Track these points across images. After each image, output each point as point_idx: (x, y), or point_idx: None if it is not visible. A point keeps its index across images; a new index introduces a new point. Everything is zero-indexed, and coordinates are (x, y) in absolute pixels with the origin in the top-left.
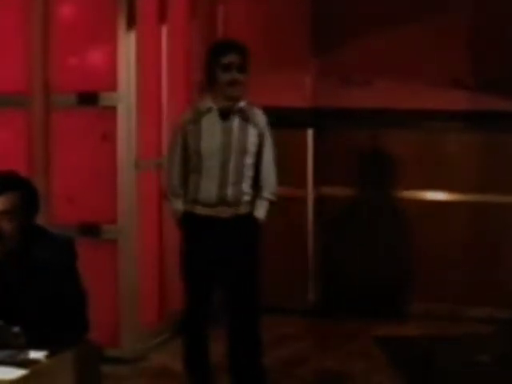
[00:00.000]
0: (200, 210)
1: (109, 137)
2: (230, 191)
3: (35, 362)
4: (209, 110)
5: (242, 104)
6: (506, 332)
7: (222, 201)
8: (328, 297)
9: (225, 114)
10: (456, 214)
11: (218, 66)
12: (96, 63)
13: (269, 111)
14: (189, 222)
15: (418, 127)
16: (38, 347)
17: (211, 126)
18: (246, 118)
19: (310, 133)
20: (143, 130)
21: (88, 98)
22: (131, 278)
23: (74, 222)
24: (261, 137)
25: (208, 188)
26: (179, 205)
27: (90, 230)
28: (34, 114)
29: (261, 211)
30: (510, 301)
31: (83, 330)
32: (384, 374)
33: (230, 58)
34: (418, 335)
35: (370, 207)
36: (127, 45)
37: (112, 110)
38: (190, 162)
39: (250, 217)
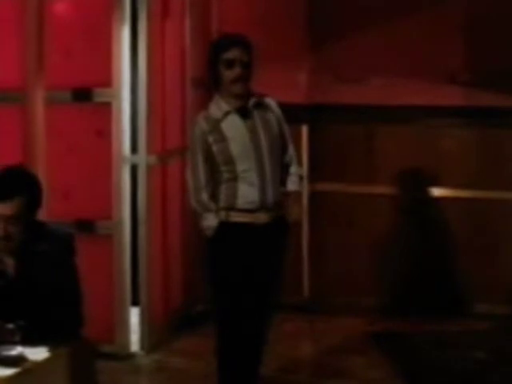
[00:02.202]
0: (236, 218)
1: (103, 133)
2: (270, 193)
3: (30, 358)
4: (226, 113)
5: (254, 99)
6: (503, 328)
7: (264, 205)
8: (322, 293)
9: (244, 113)
10: (452, 209)
11: (221, 63)
12: (90, 59)
13: None
14: (222, 233)
15: (413, 123)
16: (33, 344)
17: (235, 129)
18: (263, 111)
19: (304, 129)
20: (149, 125)
21: (82, 94)
22: (126, 274)
23: (68, 217)
24: (280, 124)
25: (248, 193)
26: (212, 220)
27: (85, 225)
28: (28, 111)
29: (293, 184)
30: (507, 297)
31: (78, 325)
32: (381, 370)
33: (234, 54)
34: (414, 331)
35: (364, 203)
36: (121, 41)
37: (107, 106)
38: (217, 172)
39: (284, 217)
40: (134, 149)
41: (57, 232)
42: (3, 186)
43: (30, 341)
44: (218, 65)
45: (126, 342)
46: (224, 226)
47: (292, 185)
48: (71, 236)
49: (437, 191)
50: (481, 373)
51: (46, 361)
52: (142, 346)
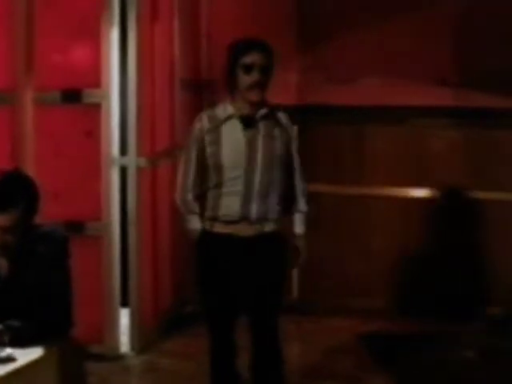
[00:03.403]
0: (219, 228)
1: (93, 134)
2: (254, 207)
3: (20, 359)
4: (229, 117)
5: (265, 110)
6: (492, 328)
7: (245, 218)
8: (312, 294)
9: (248, 122)
10: (440, 210)
11: (239, 67)
12: (80, 60)
13: None
14: (206, 242)
15: (402, 124)
16: (24, 344)
17: (233, 135)
18: (271, 125)
19: (295, 130)
20: (139, 127)
21: (72, 96)
22: (115, 275)
23: (58, 218)
24: (288, 143)
25: (229, 203)
26: (196, 223)
27: (75, 226)
28: (18, 112)
29: (301, 227)
30: (496, 297)
31: (69, 327)
32: (370, 370)
33: (253, 58)
34: (403, 332)
35: (355, 204)
36: (110, 42)
37: (96, 107)
38: (208, 176)
39: (277, 235)
40: (124, 150)
41: (52, 234)
42: (1, 197)
43: (21, 341)
44: (235, 69)
45: (116, 343)
46: (208, 235)
47: (300, 227)
48: (66, 238)
49: (427, 192)
50: (470, 372)
51: (36, 361)
52: (132, 347)
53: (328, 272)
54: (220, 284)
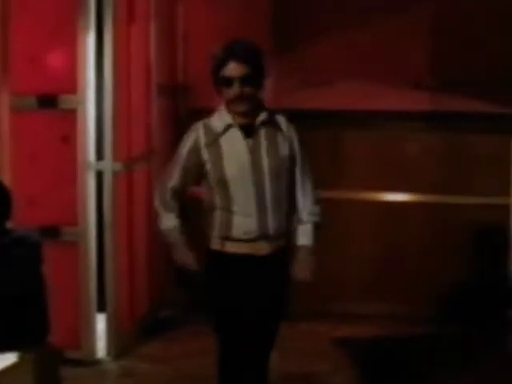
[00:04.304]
0: (233, 248)
1: (69, 139)
2: (271, 224)
3: None
4: (227, 127)
5: (263, 116)
6: (466, 332)
7: (263, 235)
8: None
9: (248, 130)
10: (415, 214)
11: (220, 79)
12: (56, 66)
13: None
14: (217, 264)
15: (378, 128)
16: None
17: (234, 146)
18: (273, 131)
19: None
20: (115, 132)
21: (48, 101)
22: (92, 280)
23: (34, 224)
24: (292, 148)
25: (244, 222)
26: (171, 220)
27: (51, 232)
28: None
29: (305, 237)
30: (470, 302)
31: (44, 332)
32: (345, 375)
33: (231, 70)
34: (379, 336)
35: (331, 208)
36: (86, 47)
37: (72, 112)
38: (212, 194)
39: (288, 249)
40: (100, 155)
41: (25, 239)
42: None
43: None
44: (218, 81)
45: (93, 348)
46: (219, 255)
47: (304, 238)
48: (39, 243)
49: (402, 196)
50: (443, 375)
51: (12, 367)
52: (109, 352)
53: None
54: (237, 307)
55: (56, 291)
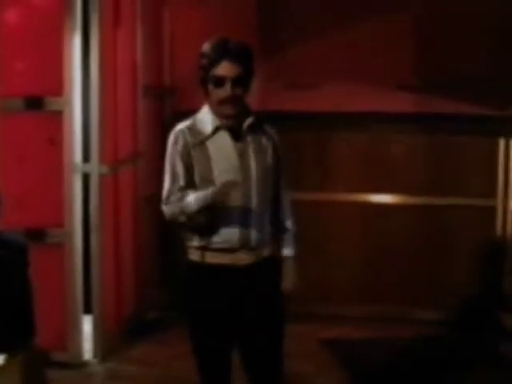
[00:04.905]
0: (213, 259)
1: (55, 141)
2: (254, 231)
3: None
4: (216, 129)
5: (250, 120)
6: (455, 334)
7: (245, 245)
8: None
9: (236, 133)
10: (402, 216)
11: (210, 78)
12: (42, 68)
13: None
14: (196, 276)
15: (364, 130)
16: None
17: (223, 150)
18: (259, 136)
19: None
20: (101, 134)
21: (34, 103)
22: (78, 282)
23: (20, 225)
24: (276, 155)
25: (227, 230)
26: (189, 198)
27: (37, 234)
28: None
29: (289, 248)
30: (457, 303)
31: (30, 334)
32: (331, 376)
33: (224, 70)
34: (365, 338)
35: (316, 210)
36: (73, 49)
37: (58, 114)
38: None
39: (273, 259)
40: (86, 157)
41: (12, 242)
42: None
43: None
44: (206, 79)
45: (79, 351)
46: (198, 267)
47: (288, 249)
48: (26, 246)
49: (388, 197)
50: (431, 377)
51: None
52: (95, 354)
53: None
54: (217, 322)
55: (42, 293)
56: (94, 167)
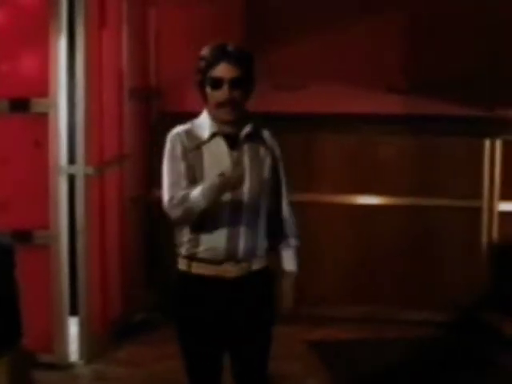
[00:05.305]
0: (198, 269)
1: (41, 143)
2: (242, 243)
3: None
4: (212, 135)
5: (248, 128)
6: (443, 335)
7: (232, 257)
8: None
9: (231, 140)
10: (389, 217)
11: (207, 80)
12: (28, 70)
13: None
14: (182, 287)
15: (351, 131)
16: None
17: (217, 157)
18: (257, 145)
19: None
20: (87, 136)
21: (20, 105)
22: (64, 283)
23: (6, 227)
24: (274, 165)
25: (213, 240)
26: (196, 191)
27: (22, 236)
28: None
29: (291, 263)
30: (446, 304)
31: (17, 336)
32: (318, 377)
33: (222, 71)
34: (353, 339)
35: (304, 211)
36: (58, 50)
37: (44, 116)
38: None
39: (265, 274)
40: (72, 159)
41: None
42: None
43: None
44: (204, 82)
45: (65, 352)
46: (184, 277)
47: (289, 263)
48: (12, 248)
49: (376, 199)
50: (420, 378)
51: None
52: (82, 356)
53: (276, 279)
54: (205, 330)
55: (28, 295)
56: (80, 169)
